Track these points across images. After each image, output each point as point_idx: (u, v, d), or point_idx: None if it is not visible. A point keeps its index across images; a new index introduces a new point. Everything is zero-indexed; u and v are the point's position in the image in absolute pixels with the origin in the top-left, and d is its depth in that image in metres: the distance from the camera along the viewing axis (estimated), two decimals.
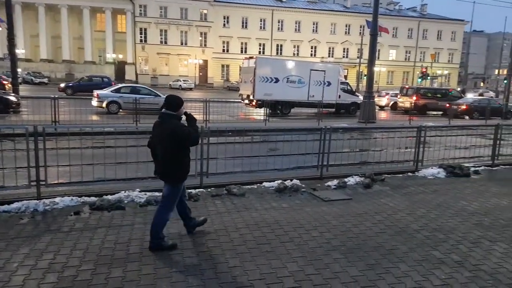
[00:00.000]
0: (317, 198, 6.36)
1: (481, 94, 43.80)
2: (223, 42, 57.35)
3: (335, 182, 7.19)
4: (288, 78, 20.57)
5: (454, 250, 4.59)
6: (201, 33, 55.85)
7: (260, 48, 58.38)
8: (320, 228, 5.10)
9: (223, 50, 57.47)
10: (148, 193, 5.95)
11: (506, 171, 9.27)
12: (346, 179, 7.35)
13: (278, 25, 58.59)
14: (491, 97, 37.83)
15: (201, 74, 56.19)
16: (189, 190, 6.11)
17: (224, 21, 56.84)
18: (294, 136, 8.39)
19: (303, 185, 6.89)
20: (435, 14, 66.15)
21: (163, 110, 4.25)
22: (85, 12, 51.56)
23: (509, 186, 7.70)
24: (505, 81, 29.82)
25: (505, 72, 35.96)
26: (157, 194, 5.81)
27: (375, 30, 17.56)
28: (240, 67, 23.26)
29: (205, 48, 56.04)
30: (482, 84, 77.50)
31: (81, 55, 53.37)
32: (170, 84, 48.03)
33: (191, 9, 54.48)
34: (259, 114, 18.24)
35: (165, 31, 54.67)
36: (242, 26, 57.45)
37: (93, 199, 5.68)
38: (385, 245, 4.64)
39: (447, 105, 23.22)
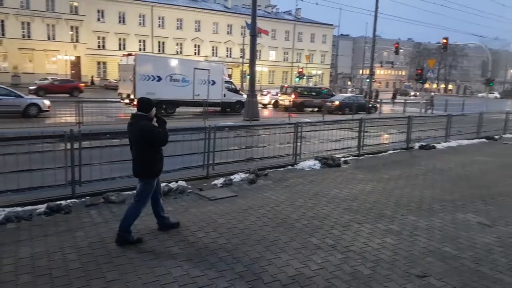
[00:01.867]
0: (204, 198, 6.35)
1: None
2: (99, 37, 53.24)
3: (221, 180, 7.27)
4: (171, 77, 20.10)
5: (328, 235, 5.03)
6: (71, 27, 50.86)
7: (140, 45, 55.86)
8: (206, 228, 5.09)
9: (99, 46, 53.37)
10: (7, 209, 5.18)
11: (369, 159, 10.50)
12: (232, 177, 7.49)
13: (159, 21, 56.81)
14: (359, 94, 42.92)
15: (73, 71, 51.15)
16: (59, 202, 5.51)
17: (99, 15, 52.80)
18: (179, 136, 8.21)
19: (189, 186, 6.80)
20: (308, 18, 71.84)
21: (136, 111, 4.54)
22: None
23: (372, 173, 8.74)
24: (367, 80, 34.19)
25: (367, 72, 40.99)
26: (19, 209, 5.10)
27: (254, 31, 18.27)
28: (118, 64, 21.82)
29: (77, 44, 51.24)
30: (349, 83, 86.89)
31: None
32: (36, 83, 42.69)
33: (59, 0, 49.27)
34: None
35: (28, 24, 48.37)
36: (119, 21, 54.14)
37: None
38: (268, 237, 4.86)
39: (327, 102, 25.39)
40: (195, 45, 59.74)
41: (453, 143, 13.22)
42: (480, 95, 64.59)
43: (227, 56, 61.26)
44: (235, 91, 23.73)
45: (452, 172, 9.09)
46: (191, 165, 7.67)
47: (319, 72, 71.05)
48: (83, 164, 6.20)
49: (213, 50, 60.91)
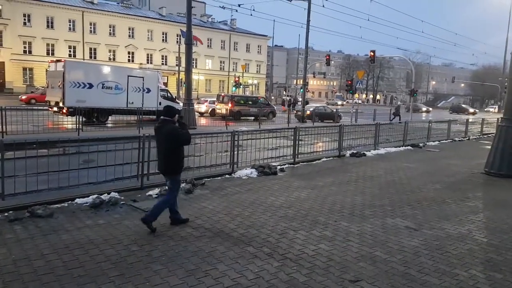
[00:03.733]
0: (138, 210, 6.03)
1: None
2: (25, 42, 49.29)
3: (156, 190, 6.98)
4: (103, 84, 19.13)
5: (265, 243, 5.00)
6: None
7: (70, 51, 52.64)
8: (140, 241, 4.82)
9: (25, 52, 49.44)
10: None
11: (304, 167, 10.75)
12: (167, 187, 7.21)
13: (91, 27, 54.01)
14: (326, 105, 44.93)
15: None
16: None
17: (25, 19, 48.93)
18: (111, 145, 7.76)
19: (123, 198, 6.45)
20: (244, 28, 72.88)
21: (162, 117, 5.31)
22: None
23: (307, 180, 8.95)
24: (301, 90, 35.39)
25: (301, 82, 42.44)
26: None
27: (189, 40, 18.06)
28: (46, 71, 20.34)
29: (1, 49, 47.08)
30: (284, 92, 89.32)
31: None
32: None
33: None
34: (71, 122, 16.36)
35: None
36: (48, 26, 50.62)
37: None
38: (205, 248, 4.71)
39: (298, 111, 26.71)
40: (128, 52, 57.64)
41: (381, 151, 13.99)
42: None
43: (162, 64, 59.92)
44: (171, 99, 23.18)
45: (381, 178, 9.59)
46: (125, 176, 7.28)
47: (255, 81, 72.15)
48: (6, 176, 5.69)
49: (147, 57, 59.22)
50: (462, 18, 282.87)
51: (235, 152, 9.27)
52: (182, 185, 7.36)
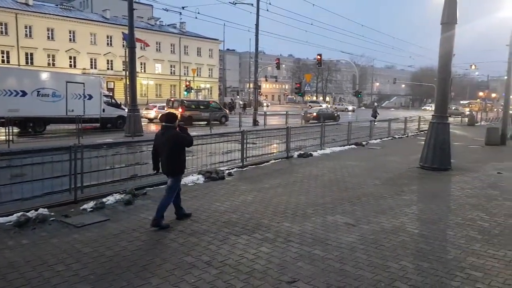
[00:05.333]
0: (69, 226, 5.69)
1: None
2: None
3: (91, 204, 6.63)
4: (39, 91, 18.05)
5: (205, 251, 4.91)
6: None
7: (3, 57, 49.29)
8: (68, 259, 4.53)
9: None
10: None
11: (252, 170, 10.76)
12: (105, 199, 6.90)
13: (26, 31, 50.83)
14: (328, 107, 50.84)
15: None
16: None
17: None
18: (37, 158, 7.28)
19: (52, 213, 6.05)
20: (194, 32, 72.17)
21: (164, 123, 5.87)
22: None
23: (254, 183, 8.95)
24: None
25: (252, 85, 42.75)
26: None
27: (132, 43, 17.53)
28: None
29: None
30: (237, 96, 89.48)
31: None
32: None
33: None
34: (2, 134, 15.24)
35: None
36: None
37: None
38: (140, 262, 4.53)
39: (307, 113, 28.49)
40: (70, 57, 55.01)
41: (327, 150, 14.37)
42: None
43: (108, 68, 57.83)
44: (116, 105, 22.38)
45: (325, 177, 9.82)
46: (56, 190, 6.86)
47: (208, 85, 71.77)
48: None
49: (91, 62, 56.86)
50: (399, 22, 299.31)
51: None
52: (121, 196, 7.11)
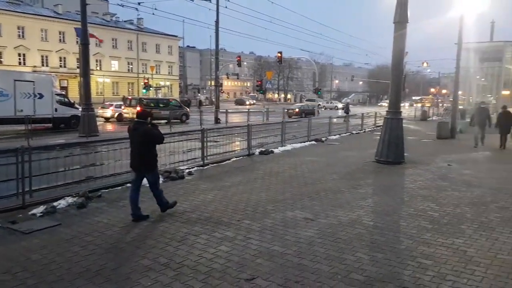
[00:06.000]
0: (16, 232, 5.37)
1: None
2: None
3: (41, 208, 6.30)
4: None
5: (162, 253, 4.80)
6: None
7: None
8: (15, 268, 4.28)
9: None
10: None
11: (213, 168, 10.67)
12: (56, 203, 6.59)
13: None
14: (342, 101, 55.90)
15: None
16: None
17: None
18: None
19: None
20: (152, 28, 70.39)
21: (136, 119, 6.11)
22: None
23: (215, 182, 8.87)
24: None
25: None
26: None
27: (85, 39, 16.81)
28: None
29: None
30: (199, 94, 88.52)
31: None
32: None
33: None
34: None
35: None
36: None
37: None
38: (93, 267, 4.35)
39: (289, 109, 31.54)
40: (19, 54, 51.98)
41: (288, 147, 14.52)
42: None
43: (61, 66, 55.19)
44: (70, 104, 21.40)
45: (285, 173, 9.92)
46: (2, 195, 6.46)
47: (168, 83, 70.38)
48: None
49: (42, 59, 54.03)
50: (356, 20, 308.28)
51: None
52: (74, 199, 6.81)
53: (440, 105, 56.43)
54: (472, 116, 16.36)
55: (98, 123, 20.13)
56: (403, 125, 12.06)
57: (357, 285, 4.02)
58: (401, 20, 11.23)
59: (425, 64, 61.46)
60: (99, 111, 26.62)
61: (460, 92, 23.65)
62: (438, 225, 5.99)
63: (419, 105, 56.25)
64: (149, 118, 6.17)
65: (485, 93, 29.93)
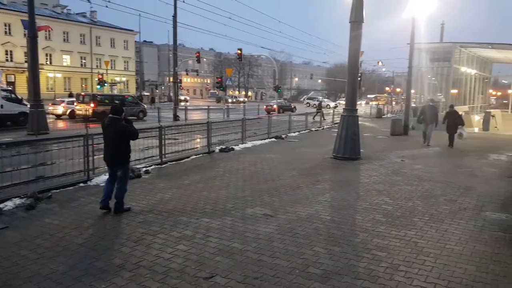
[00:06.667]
0: None
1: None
2: None
3: None
4: None
5: (117, 254, 4.64)
6: None
7: None
8: None
9: None
10: None
11: (172, 166, 10.46)
12: (2, 205, 6.20)
13: None
14: (285, 99, 60.63)
15: None
16: None
17: None
18: None
19: None
20: (106, 22, 67.79)
21: (110, 115, 6.12)
22: None
23: (173, 180, 8.71)
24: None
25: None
26: None
27: (33, 32, 15.86)
28: None
29: None
30: (157, 90, 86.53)
31: None
32: None
33: None
34: None
35: None
36: None
37: None
38: (42, 271, 4.13)
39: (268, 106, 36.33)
40: None
41: (248, 144, 14.54)
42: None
43: (7, 60, 51.85)
44: (17, 101, 20.13)
45: (246, 171, 9.92)
46: None
47: (124, 78, 68.22)
48: None
49: None
50: (314, 19, 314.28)
51: (91, 158, 8.47)
52: (22, 200, 6.43)
53: (394, 103, 58.90)
54: (420, 114, 16.46)
55: (48, 120, 19.21)
56: (359, 122, 12.44)
57: (314, 279, 4.10)
58: (356, 19, 11.54)
59: (380, 63, 63.77)
60: (49, 107, 25.35)
61: (412, 91, 24.71)
62: (392, 218, 6.23)
63: (374, 103, 58.37)
64: (123, 114, 6.24)
65: (436, 92, 31.51)
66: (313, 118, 26.53)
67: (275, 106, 39.10)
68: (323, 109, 30.71)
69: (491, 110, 32.45)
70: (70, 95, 39.88)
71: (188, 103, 56.16)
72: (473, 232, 5.65)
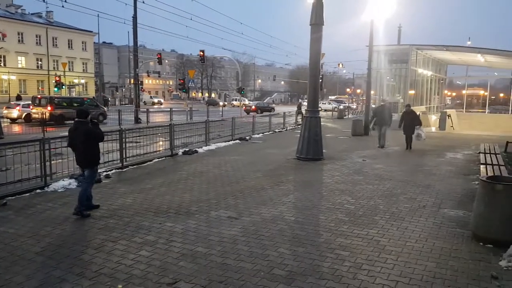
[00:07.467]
0: None
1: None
2: None
3: None
4: None
5: (76, 262, 4.47)
6: None
7: None
8: None
9: None
10: None
11: (133, 170, 10.23)
12: None
13: None
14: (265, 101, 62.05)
15: None
16: None
17: None
18: None
19: None
20: (63, 22, 65.11)
21: (76, 119, 6.40)
22: None
23: (135, 184, 8.51)
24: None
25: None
26: None
27: None
28: None
29: None
30: (117, 92, 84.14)
31: None
32: None
33: None
34: None
35: None
36: None
37: None
38: None
39: (247, 106, 42.02)
40: None
41: (212, 146, 14.45)
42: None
43: None
44: None
45: (210, 173, 9.86)
46: None
47: (82, 81, 65.86)
48: None
49: None
50: (275, 21, 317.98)
51: (48, 162, 8.13)
52: None
53: (354, 106, 60.52)
54: (372, 116, 16.08)
55: (3, 124, 18.25)
56: (322, 123, 12.69)
57: (279, 281, 4.13)
58: (317, 22, 11.77)
59: (340, 65, 65.43)
60: (4, 111, 24.10)
61: (372, 92, 25.51)
62: (354, 217, 6.39)
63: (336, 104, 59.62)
64: (89, 116, 6.44)
65: (395, 92, 32.63)
66: (296, 121, 27.20)
67: (253, 107, 42.79)
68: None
69: (447, 110, 34.08)
70: (18, 98, 38.14)
71: (162, 106, 55.24)
72: (432, 229, 5.85)
